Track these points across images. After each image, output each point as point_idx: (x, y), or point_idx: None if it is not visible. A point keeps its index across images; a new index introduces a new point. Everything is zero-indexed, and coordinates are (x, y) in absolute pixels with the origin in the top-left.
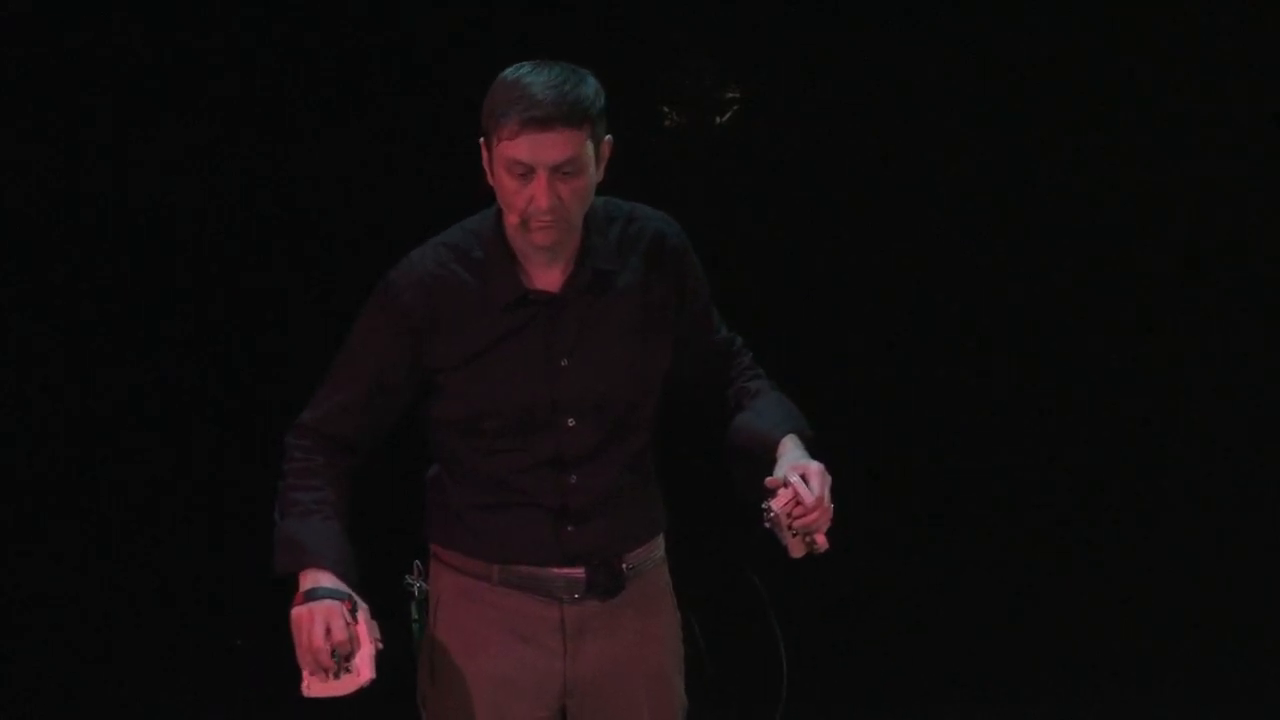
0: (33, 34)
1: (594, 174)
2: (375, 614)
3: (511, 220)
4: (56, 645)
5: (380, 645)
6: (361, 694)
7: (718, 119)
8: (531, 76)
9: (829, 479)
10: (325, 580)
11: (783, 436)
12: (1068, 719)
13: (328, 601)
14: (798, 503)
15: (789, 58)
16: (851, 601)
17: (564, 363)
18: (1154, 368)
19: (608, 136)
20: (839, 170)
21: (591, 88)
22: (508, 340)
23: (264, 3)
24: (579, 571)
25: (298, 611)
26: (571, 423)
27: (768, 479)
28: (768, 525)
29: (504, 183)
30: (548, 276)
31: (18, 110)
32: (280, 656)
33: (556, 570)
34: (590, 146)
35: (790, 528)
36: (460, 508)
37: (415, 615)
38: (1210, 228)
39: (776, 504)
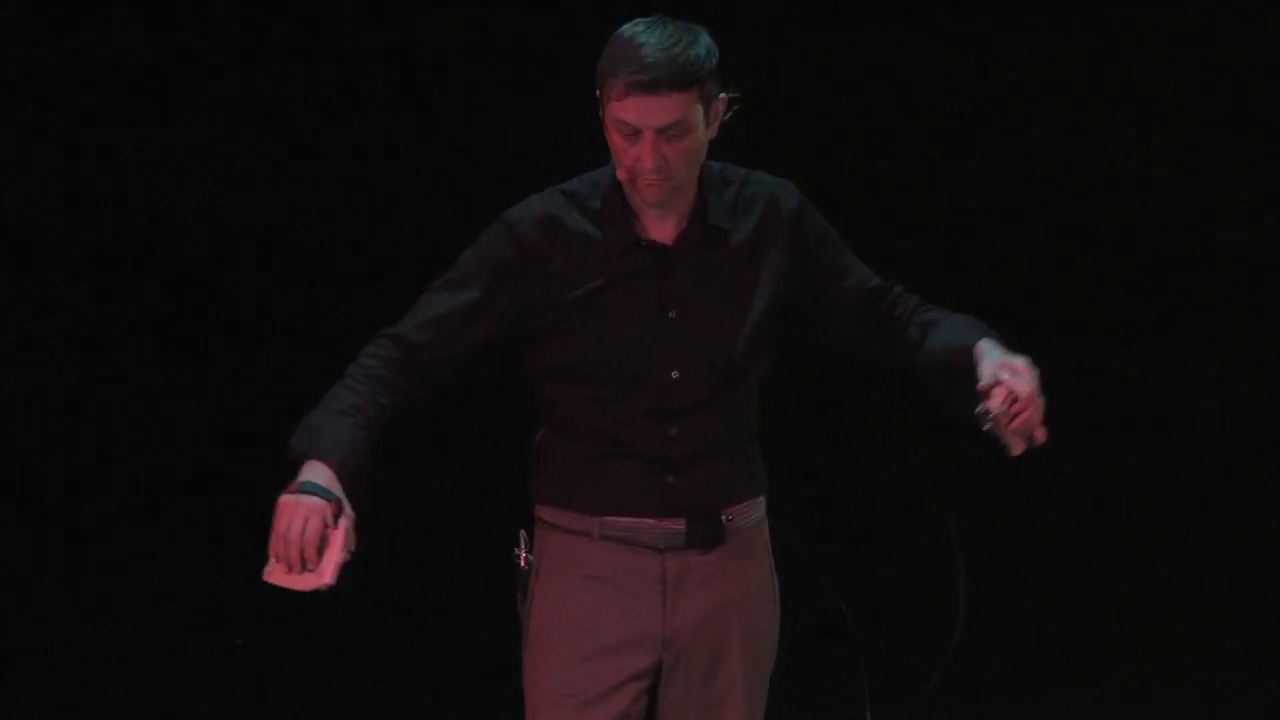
0: (33, 34)
1: (703, 134)
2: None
3: (621, 175)
4: (56, 646)
5: (349, 556)
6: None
7: None
8: (644, 37)
9: (1036, 370)
10: (322, 477)
11: (977, 341)
12: (1068, 719)
13: (316, 499)
14: (1014, 400)
15: (789, 58)
16: (851, 601)
17: (672, 314)
18: (1154, 367)
19: (721, 94)
20: (839, 170)
21: (703, 48)
22: (617, 287)
23: (264, 3)
24: (679, 523)
25: (284, 500)
26: (675, 375)
27: (979, 384)
28: (987, 428)
29: (614, 140)
30: (661, 229)
31: (18, 110)
32: (280, 657)
33: (656, 521)
34: (699, 109)
35: (1010, 426)
36: (562, 462)
37: (520, 585)
38: (1210, 227)
39: (993, 404)
